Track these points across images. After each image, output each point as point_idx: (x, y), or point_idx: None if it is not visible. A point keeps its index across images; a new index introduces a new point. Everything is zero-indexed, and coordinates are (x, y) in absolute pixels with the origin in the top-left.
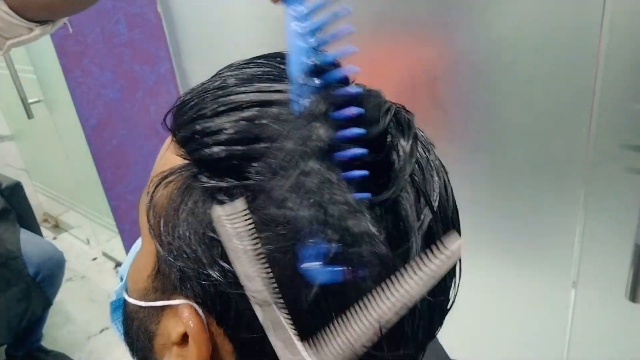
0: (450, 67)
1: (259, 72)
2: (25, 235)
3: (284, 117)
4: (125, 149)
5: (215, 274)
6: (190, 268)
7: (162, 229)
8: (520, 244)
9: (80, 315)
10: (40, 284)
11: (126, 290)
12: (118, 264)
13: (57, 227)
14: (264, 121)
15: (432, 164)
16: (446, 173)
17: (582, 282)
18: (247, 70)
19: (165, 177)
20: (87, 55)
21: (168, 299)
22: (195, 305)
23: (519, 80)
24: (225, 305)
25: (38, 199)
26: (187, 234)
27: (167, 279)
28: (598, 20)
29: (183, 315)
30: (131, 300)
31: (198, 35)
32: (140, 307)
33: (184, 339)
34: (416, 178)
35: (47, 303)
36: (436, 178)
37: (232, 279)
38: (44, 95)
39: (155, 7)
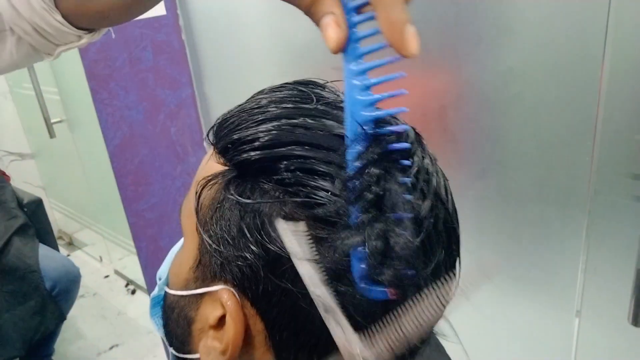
0: (460, 97)
1: (289, 95)
2: (43, 250)
3: (310, 125)
4: (146, 168)
5: (250, 256)
6: (231, 253)
7: (207, 222)
8: (525, 271)
9: (91, 332)
10: (55, 298)
11: (167, 286)
12: (129, 282)
13: (71, 244)
14: (291, 128)
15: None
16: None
17: (586, 311)
18: (278, 94)
19: (210, 180)
20: (114, 78)
21: (208, 286)
22: (232, 288)
23: (525, 109)
24: (259, 287)
25: (54, 216)
26: (229, 225)
27: (207, 268)
28: (600, 53)
29: (222, 297)
30: (173, 292)
31: (219, 63)
32: (182, 296)
33: (219, 322)
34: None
35: (61, 318)
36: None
37: (265, 261)
38: (66, 115)
39: (179, 36)
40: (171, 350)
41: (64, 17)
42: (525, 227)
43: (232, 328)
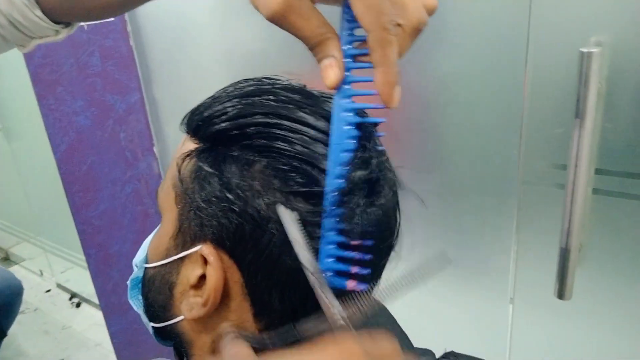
0: (402, 100)
1: (254, 83)
2: None
3: (273, 99)
4: (94, 174)
5: (229, 213)
6: (211, 212)
7: (188, 191)
8: (464, 260)
9: (34, 349)
10: None
11: (146, 263)
12: (74, 295)
13: (7, 259)
14: (256, 100)
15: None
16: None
17: (519, 298)
18: (243, 83)
19: (187, 155)
20: (60, 83)
21: (188, 249)
22: (211, 244)
23: (460, 110)
24: (236, 235)
25: None
26: (208, 191)
27: (187, 233)
28: (523, 58)
29: (203, 252)
30: (153, 264)
31: (168, 68)
32: (162, 265)
33: (199, 282)
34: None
35: (1, 334)
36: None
37: (241, 216)
38: (2, 124)
39: (127, 41)
40: (151, 325)
41: (43, 12)
42: (464, 217)
43: (213, 277)
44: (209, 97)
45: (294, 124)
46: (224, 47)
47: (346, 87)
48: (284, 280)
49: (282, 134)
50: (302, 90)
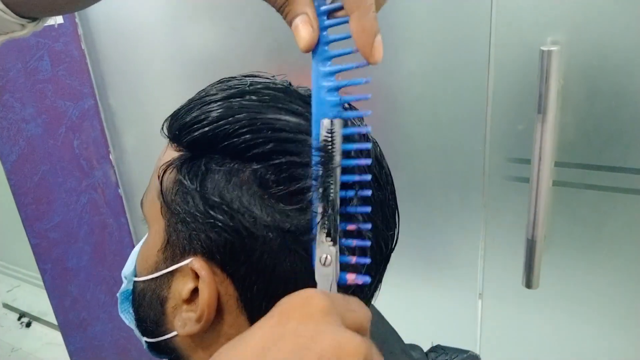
0: (370, 98)
1: (235, 83)
2: None
3: (256, 100)
4: (47, 184)
5: (217, 225)
6: (198, 225)
7: (172, 203)
8: (432, 256)
9: None
10: None
11: (135, 276)
12: (23, 314)
13: None
14: (238, 102)
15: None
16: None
17: (487, 292)
18: (223, 84)
19: (169, 165)
20: (8, 90)
21: (178, 262)
22: (202, 257)
23: (427, 108)
24: (226, 248)
25: None
26: (192, 202)
27: (176, 246)
28: (485, 58)
29: (194, 266)
30: (143, 278)
31: (123, 72)
32: (152, 279)
33: (192, 296)
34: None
35: None
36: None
37: (230, 228)
38: None
39: (79, 45)
40: (144, 339)
41: (6, 4)
42: (431, 213)
43: (206, 292)
44: (189, 100)
45: (278, 125)
46: (179, 48)
47: (324, 48)
48: (281, 289)
49: (265, 137)
50: (285, 89)
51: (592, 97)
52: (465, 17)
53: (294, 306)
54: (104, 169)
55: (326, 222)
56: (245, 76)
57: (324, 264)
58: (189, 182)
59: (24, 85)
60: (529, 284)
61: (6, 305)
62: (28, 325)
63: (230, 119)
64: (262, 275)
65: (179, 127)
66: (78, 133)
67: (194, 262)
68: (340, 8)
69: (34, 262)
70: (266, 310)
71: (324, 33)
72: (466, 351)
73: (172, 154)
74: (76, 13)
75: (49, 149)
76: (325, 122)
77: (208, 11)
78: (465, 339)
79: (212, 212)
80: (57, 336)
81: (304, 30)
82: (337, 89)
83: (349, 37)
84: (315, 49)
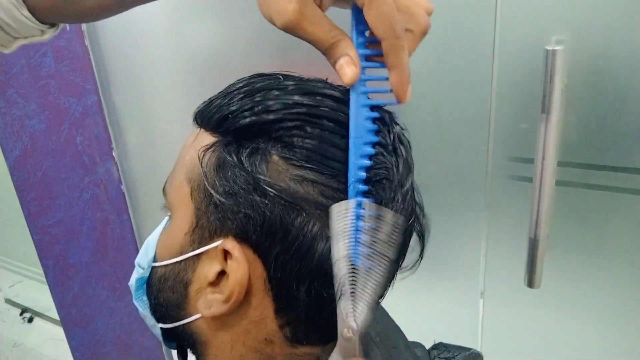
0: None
1: (269, 78)
2: None
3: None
4: (50, 180)
5: (257, 205)
6: (236, 205)
7: (209, 185)
8: (433, 255)
9: None
10: None
11: (155, 262)
12: (25, 310)
13: None
14: (281, 95)
15: None
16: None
17: (489, 292)
18: (259, 79)
19: (209, 148)
20: (11, 85)
21: (207, 245)
22: (234, 239)
23: (430, 107)
24: (266, 229)
25: None
26: (234, 182)
27: (206, 228)
28: (490, 58)
29: (226, 246)
30: (165, 262)
31: (126, 69)
32: (176, 263)
33: (218, 278)
34: None
35: None
36: None
37: (270, 209)
38: None
39: (82, 41)
40: (159, 326)
41: (30, 11)
42: (434, 212)
43: (238, 272)
44: (222, 92)
45: (316, 118)
46: (183, 47)
47: (362, 83)
48: (314, 270)
49: (307, 130)
50: (321, 82)
51: (596, 97)
52: (469, 15)
53: None
54: (107, 165)
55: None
56: (278, 74)
57: (345, 339)
58: (235, 159)
59: (27, 81)
60: (530, 284)
61: (8, 301)
62: (30, 320)
63: (274, 110)
64: (296, 255)
65: (222, 116)
66: (81, 129)
67: (226, 243)
68: (377, 55)
69: (36, 258)
70: (296, 290)
71: (362, 73)
72: (468, 349)
73: (208, 139)
74: None
75: (52, 145)
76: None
77: (212, 9)
78: (466, 338)
79: (257, 191)
80: (59, 332)
81: (349, 69)
82: (372, 117)
83: (382, 78)
84: (355, 83)
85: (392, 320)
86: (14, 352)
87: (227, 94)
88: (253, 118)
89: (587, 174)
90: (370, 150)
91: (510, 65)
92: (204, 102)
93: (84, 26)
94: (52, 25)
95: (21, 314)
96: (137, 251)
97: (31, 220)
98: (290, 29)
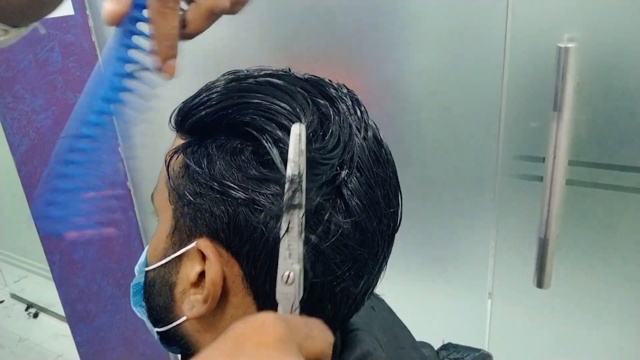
0: (381, 95)
1: (233, 72)
2: None
3: (254, 83)
4: None
5: (219, 204)
6: (201, 206)
7: (179, 187)
8: (442, 254)
9: None
10: None
11: (146, 267)
12: (30, 305)
13: None
14: (237, 85)
15: None
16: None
17: (497, 292)
18: (228, 75)
19: (175, 152)
20: (18, 81)
21: (185, 246)
22: (207, 238)
23: (439, 105)
24: (230, 226)
25: None
26: (197, 184)
27: (182, 230)
28: (501, 56)
29: (200, 246)
30: (152, 266)
31: None
32: (162, 266)
33: (199, 279)
34: None
35: None
36: None
37: (231, 205)
38: None
39: (89, 37)
40: (155, 330)
41: None
42: (443, 211)
43: (211, 270)
44: (194, 94)
45: (274, 105)
46: (189, 44)
47: (127, 33)
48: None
49: (263, 116)
50: (284, 75)
51: (608, 95)
52: (481, 12)
53: (247, 333)
54: (112, 162)
55: (289, 243)
56: (250, 69)
57: (287, 282)
58: (193, 162)
59: (34, 76)
60: (540, 284)
61: (14, 296)
62: (35, 316)
63: (228, 100)
64: (265, 251)
65: (184, 114)
66: None
67: (200, 243)
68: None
69: (41, 254)
70: (270, 289)
71: (135, 16)
72: (478, 350)
73: (178, 142)
74: (87, 5)
75: (59, 140)
76: (295, 129)
77: None
78: (473, 338)
79: (215, 189)
80: (64, 327)
81: (108, 4)
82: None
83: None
84: (121, 22)
85: (399, 320)
86: (19, 347)
87: (196, 93)
88: (203, 113)
89: (598, 173)
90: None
91: (522, 62)
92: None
93: (90, 22)
94: (15, 25)
95: (26, 309)
96: (142, 248)
97: (37, 216)
98: None
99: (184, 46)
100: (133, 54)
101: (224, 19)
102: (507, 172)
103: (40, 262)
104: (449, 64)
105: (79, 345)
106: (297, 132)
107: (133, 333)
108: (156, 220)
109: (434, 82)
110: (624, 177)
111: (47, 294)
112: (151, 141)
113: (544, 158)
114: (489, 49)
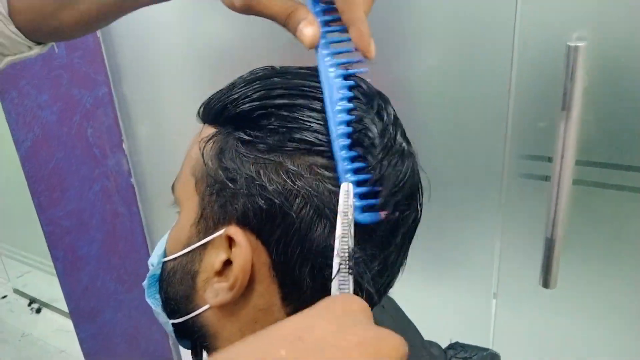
0: (388, 94)
1: (267, 67)
2: None
3: (290, 78)
4: (61, 172)
5: (260, 184)
6: (236, 192)
7: (212, 174)
8: (447, 254)
9: None
10: None
11: (165, 257)
12: (33, 300)
13: None
14: (278, 81)
15: None
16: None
17: (502, 293)
18: (259, 71)
19: (210, 138)
20: (24, 76)
21: (212, 234)
22: (237, 225)
23: (447, 103)
24: (266, 213)
25: None
26: (235, 170)
27: (209, 218)
28: (509, 54)
29: (229, 232)
30: (174, 255)
31: (138, 62)
32: (184, 255)
33: (223, 268)
34: None
35: None
36: None
37: (276, 187)
38: None
39: (95, 33)
40: (170, 322)
41: (17, 28)
42: (448, 210)
43: (240, 257)
44: (224, 87)
45: (315, 102)
46: (195, 40)
47: (326, 46)
48: (315, 252)
49: (305, 114)
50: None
51: (617, 95)
52: (489, 10)
53: (335, 301)
54: (117, 157)
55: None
56: (266, 67)
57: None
58: (235, 148)
59: (40, 72)
60: (546, 284)
61: (17, 291)
62: (38, 311)
63: (270, 97)
64: (296, 238)
65: (221, 107)
66: (92, 121)
67: (230, 229)
68: (336, 20)
69: (44, 249)
70: (300, 275)
71: (324, 38)
72: (486, 349)
73: (208, 131)
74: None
75: (63, 136)
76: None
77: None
78: (478, 338)
79: (254, 174)
80: (66, 323)
81: (307, 29)
82: (343, 74)
83: (346, 39)
84: (318, 44)
85: (407, 318)
86: (22, 342)
87: (228, 86)
88: (249, 105)
89: (605, 173)
90: (348, 117)
91: (530, 61)
92: (205, 100)
93: None
94: (39, 43)
95: (29, 304)
96: (146, 244)
97: (41, 211)
98: (250, 9)
99: (187, 46)
100: (337, 57)
101: (233, 18)
102: (513, 171)
103: (43, 257)
104: (457, 63)
105: (81, 341)
106: (346, 189)
107: (136, 329)
108: (176, 212)
109: (441, 81)
110: (632, 177)
111: (50, 289)
112: (156, 135)
113: (551, 157)
114: (497, 47)
